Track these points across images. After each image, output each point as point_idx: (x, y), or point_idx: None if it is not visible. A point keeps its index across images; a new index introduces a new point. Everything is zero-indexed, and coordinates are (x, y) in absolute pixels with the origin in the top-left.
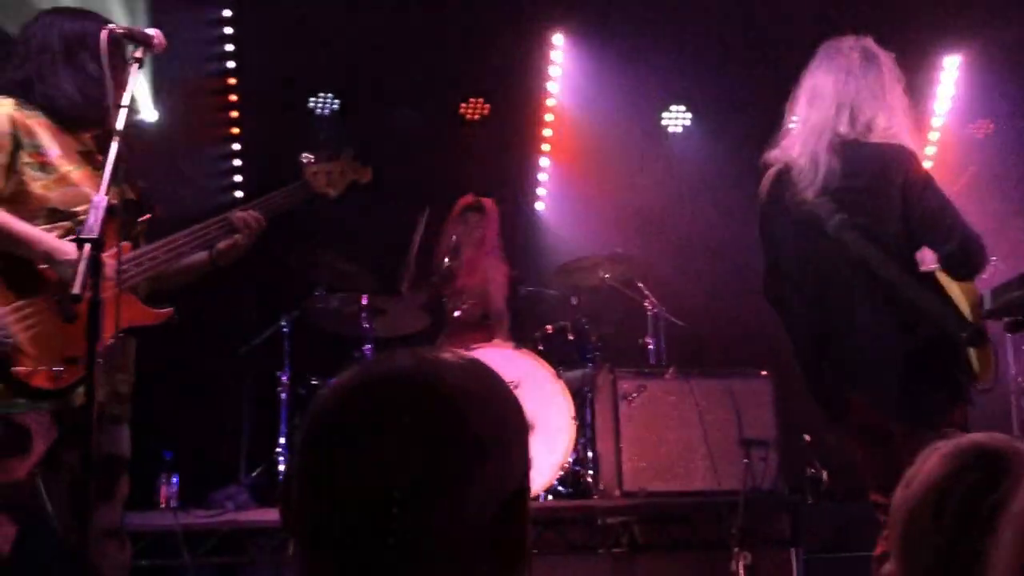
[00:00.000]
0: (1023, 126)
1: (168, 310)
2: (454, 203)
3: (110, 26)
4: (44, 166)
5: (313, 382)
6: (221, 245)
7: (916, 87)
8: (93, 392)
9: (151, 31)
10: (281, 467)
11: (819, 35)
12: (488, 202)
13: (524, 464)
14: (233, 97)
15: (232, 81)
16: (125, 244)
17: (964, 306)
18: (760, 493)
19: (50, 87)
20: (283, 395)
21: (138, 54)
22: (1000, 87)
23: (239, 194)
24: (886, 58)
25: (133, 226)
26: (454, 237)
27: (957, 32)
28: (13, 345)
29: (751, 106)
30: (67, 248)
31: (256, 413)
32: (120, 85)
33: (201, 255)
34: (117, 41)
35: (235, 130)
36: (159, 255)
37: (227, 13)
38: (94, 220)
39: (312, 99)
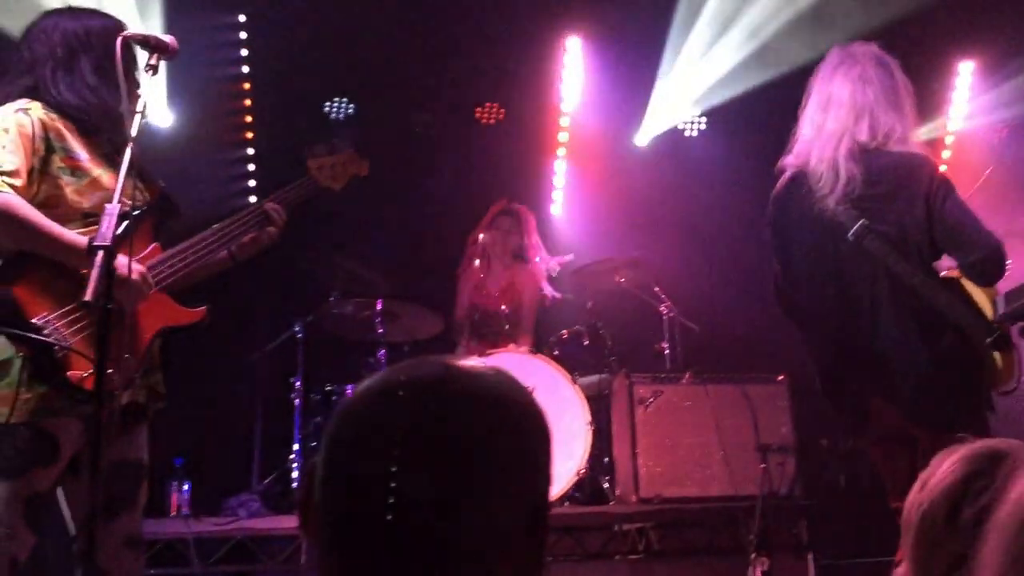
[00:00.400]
0: None
1: (202, 309)
2: (470, 206)
3: (124, 32)
4: (75, 171)
5: (327, 388)
6: (244, 240)
7: (931, 93)
8: (101, 398)
9: (166, 37)
10: (295, 474)
11: (830, 41)
12: (521, 208)
13: (549, 475)
14: (247, 101)
15: (247, 85)
16: (155, 245)
17: (987, 309)
18: (777, 498)
19: (58, 93)
20: (296, 401)
21: (152, 60)
22: (1012, 92)
23: (253, 199)
24: (895, 66)
25: (161, 227)
26: (485, 242)
27: (971, 37)
28: (65, 349)
29: (766, 110)
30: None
31: (269, 419)
32: (134, 91)
33: (221, 252)
34: (130, 47)
35: (249, 134)
36: (188, 255)
37: (242, 18)
38: (107, 227)
39: (327, 103)
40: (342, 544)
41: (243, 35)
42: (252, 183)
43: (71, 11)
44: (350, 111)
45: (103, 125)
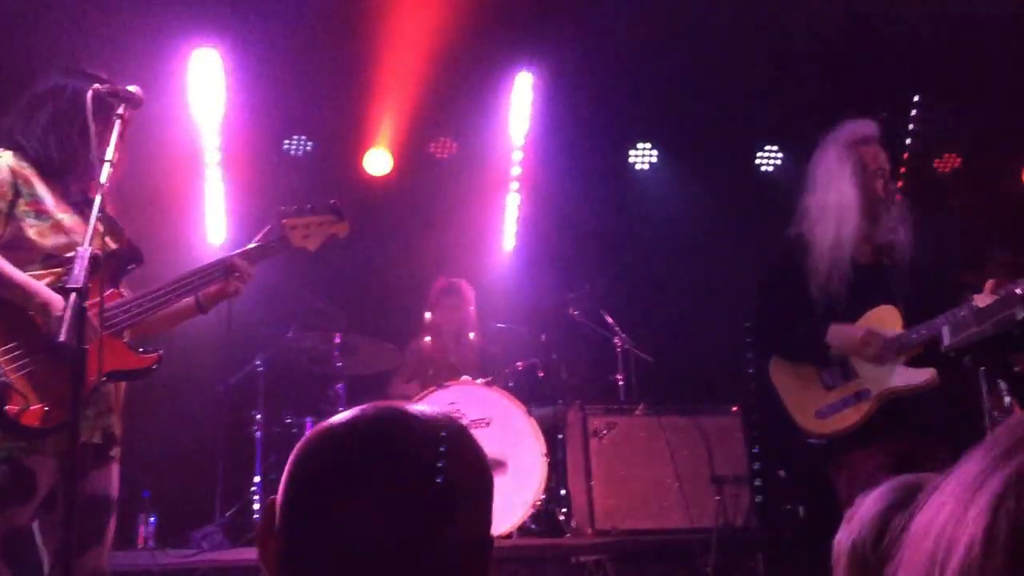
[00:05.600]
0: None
1: (154, 355)
2: (427, 240)
3: (95, 86)
4: (39, 214)
5: (287, 420)
6: (210, 289)
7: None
8: (76, 436)
9: (133, 88)
10: (256, 506)
11: (784, 75)
12: (462, 284)
13: (489, 515)
14: (210, 141)
15: (209, 125)
16: (113, 291)
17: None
18: (733, 530)
19: (42, 142)
20: (258, 433)
21: (120, 111)
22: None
23: (215, 235)
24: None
25: (121, 274)
26: (436, 321)
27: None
28: (5, 384)
29: (716, 143)
30: (60, 303)
31: (231, 452)
32: (104, 140)
33: (187, 300)
34: (101, 99)
35: (211, 172)
36: (145, 302)
37: (208, 55)
38: (79, 270)
39: (287, 141)
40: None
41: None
42: (218, 218)
43: (64, 70)
44: (308, 148)
45: (64, 171)
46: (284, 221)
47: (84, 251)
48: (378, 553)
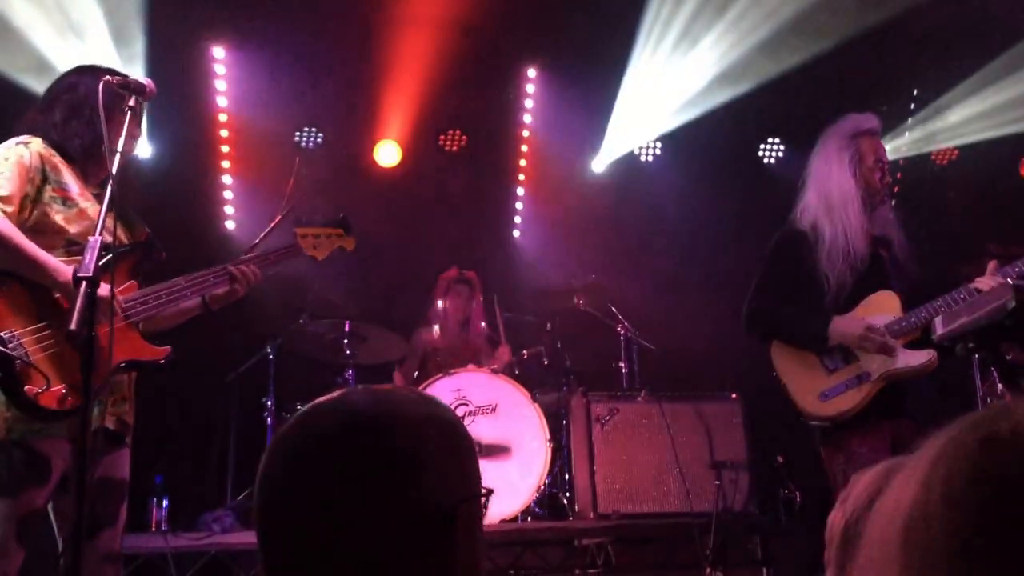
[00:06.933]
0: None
1: (165, 348)
2: (436, 232)
3: (106, 77)
4: (65, 200)
5: (297, 407)
6: (217, 291)
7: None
8: (88, 422)
9: (144, 80)
10: None
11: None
12: (473, 275)
13: (459, 483)
14: (224, 132)
15: (223, 117)
16: (131, 283)
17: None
18: (732, 514)
19: (62, 133)
20: (268, 420)
21: (131, 102)
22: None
23: (231, 224)
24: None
25: (139, 267)
26: (446, 309)
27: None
28: (26, 364)
29: (719, 138)
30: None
31: (242, 437)
32: (116, 131)
33: (195, 300)
34: (112, 91)
35: (225, 163)
36: (162, 296)
37: (220, 51)
38: (89, 259)
39: (298, 133)
40: (272, 546)
41: (220, 68)
42: (229, 210)
43: (84, 68)
44: (319, 140)
45: (85, 160)
46: (296, 229)
47: (95, 240)
48: (336, 517)
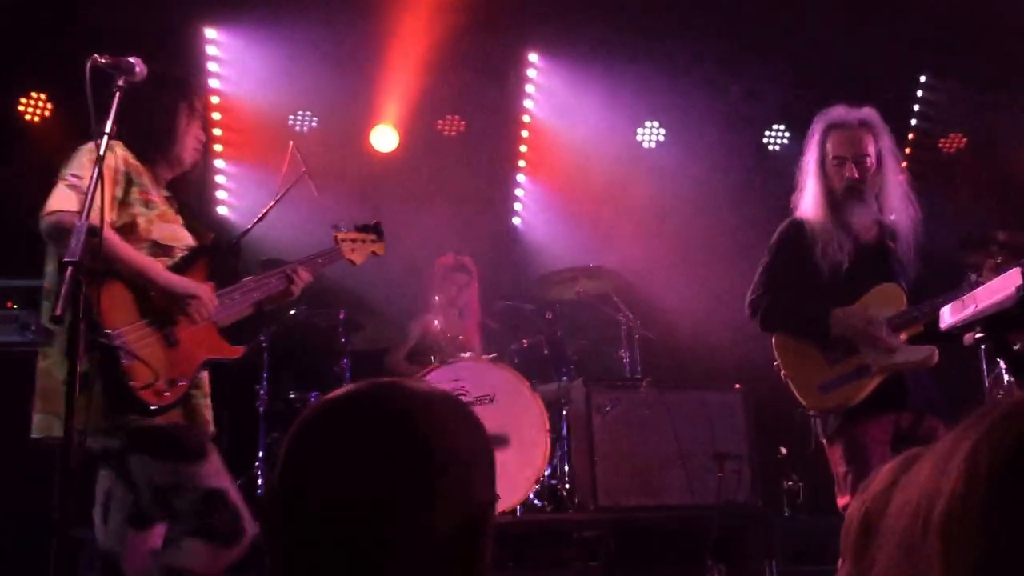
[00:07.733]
0: None
1: (240, 348)
2: (434, 219)
3: (94, 56)
4: (148, 203)
5: (291, 396)
6: (274, 292)
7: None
8: (72, 412)
9: (133, 60)
10: (260, 480)
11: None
12: (469, 261)
13: (486, 487)
14: (217, 115)
15: (216, 100)
16: (211, 284)
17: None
18: (734, 506)
19: (135, 137)
20: (261, 409)
21: (120, 83)
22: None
23: (223, 210)
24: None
25: (217, 267)
26: (448, 297)
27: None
28: (134, 357)
29: (722, 122)
30: (185, 284)
31: (234, 427)
32: (105, 113)
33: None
34: (101, 71)
35: (218, 147)
36: (235, 296)
37: (213, 33)
38: (76, 244)
39: (292, 116)
40: (291, 553)
41: (213, 50)
42: (222, 195)
43: (153, 76)
44: (313, 124)
45: (151, 162)
46: (336, 234)
47: (82, 225)
48: (358, 516)
